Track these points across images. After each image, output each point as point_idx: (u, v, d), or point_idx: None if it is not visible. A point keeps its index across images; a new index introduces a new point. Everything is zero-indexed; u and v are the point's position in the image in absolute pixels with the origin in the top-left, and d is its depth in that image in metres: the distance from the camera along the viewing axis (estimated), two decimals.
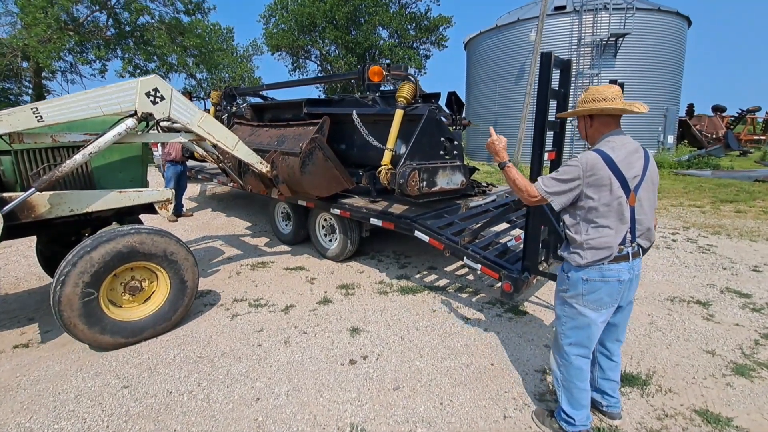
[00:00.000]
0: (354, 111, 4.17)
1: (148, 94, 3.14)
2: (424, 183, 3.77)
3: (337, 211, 4.43)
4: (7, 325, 3.52)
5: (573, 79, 12.76)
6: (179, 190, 7.25)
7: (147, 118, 3.17)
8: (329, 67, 27.83)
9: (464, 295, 3.93)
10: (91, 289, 2.87)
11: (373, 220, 4.04)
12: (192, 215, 7.48)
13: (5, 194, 2.85)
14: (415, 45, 28.69)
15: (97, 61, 14.05)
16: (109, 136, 3.05)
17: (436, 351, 2.96)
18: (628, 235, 1.89)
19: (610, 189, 1.81)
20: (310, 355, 2.93)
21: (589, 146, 2.04)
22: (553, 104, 2.92)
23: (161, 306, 3.25)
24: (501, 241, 3.67)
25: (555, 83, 2.96)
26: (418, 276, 4.44)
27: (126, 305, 3.17)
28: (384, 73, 3.96)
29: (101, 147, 3.04)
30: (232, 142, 3.79)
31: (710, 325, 3.32)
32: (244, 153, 3.93)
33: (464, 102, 5.17)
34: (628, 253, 1.90)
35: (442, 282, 4.26)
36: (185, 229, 6.55)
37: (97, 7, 12.91)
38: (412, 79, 4.08)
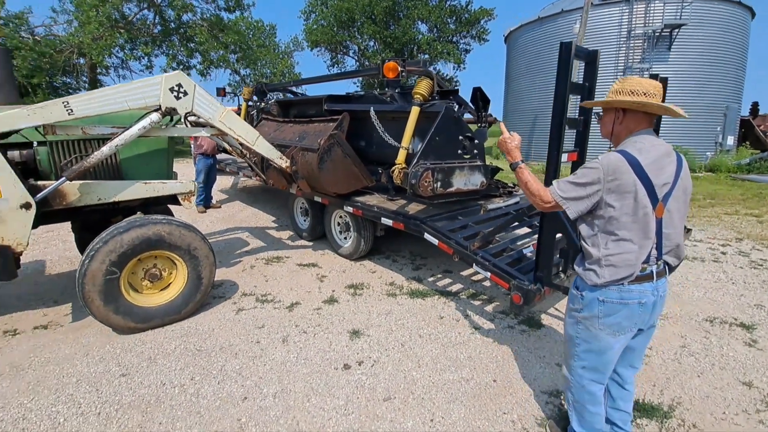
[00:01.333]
0: (371, 108, 4.06)
1: (171, 90, 3.23)
2: (439, 183, 3.60)
3: (349, 209, 4.34)
4: (34, 305, 3.73)
5: (621, 73, 11.93)
6: (209, 182, 7.47)
7: (171, 112, 3.27)
8: (367, 63, 27.81)
9: (477, 303, 3.72)
10: (115, 268, 3.01)
11: (384, 220, 3.92)
12: (220, 207, 7.69)
13: (39, 182, 3.03)
14: (454, 39, 28.07)
15: (145, 57, 14.90)
16: (134, 129, 3.17)
17: (436, 361, 2.80)
18: (654, 252, 1.65)
19: (635, 197, 1.57)
20: (306, 356, 2.86)
21: (612, 146, 1.80)
22: (576, 100, 2.66)
23: (175, 298, 3.33)
24: (517, 247, 3.42)
25: (579, 77, 2.71)
26: (431, 279, 4.27)
27: (143, 291, 3.27)
28: (399, 69, 3.82)
29: (127, 140, 3.16)
30: (252, 137, 3.83)
31: (752, 352, 2.92)
32: (264, 148, 3.96)
33: (489, 98, 4.92)
34: (652, 272, 1.66)
35: (456, 287, 4.07)
36: (211, 221, 6.74)
37: (146, 5, 13.63)
38: (430, 74, 3.90)
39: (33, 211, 2.89)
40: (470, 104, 4.93)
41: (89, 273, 2.92)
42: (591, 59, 2.61)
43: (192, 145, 9.30)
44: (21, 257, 3.26)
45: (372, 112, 4.01)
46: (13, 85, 3.70)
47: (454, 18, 27.12)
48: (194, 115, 3.42)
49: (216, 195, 8.54)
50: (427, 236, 3.48)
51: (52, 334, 3.23)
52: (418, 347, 2.98)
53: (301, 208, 5.66)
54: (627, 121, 1.71)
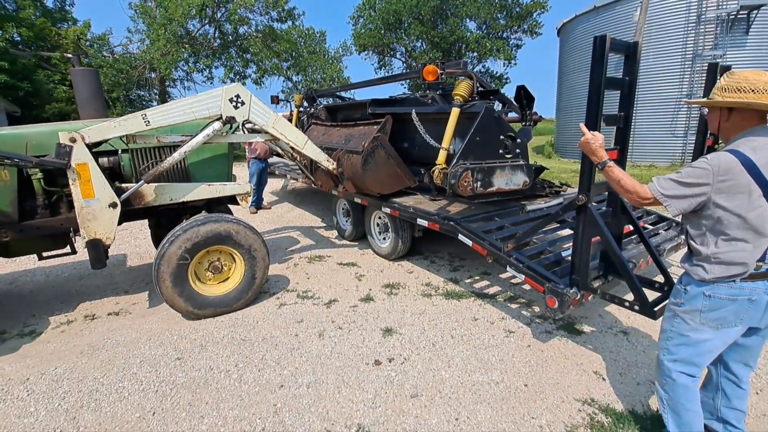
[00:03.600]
0: (413, 110, 4.14)
1: (231, 100, 3.58)
2: (479, 183, 3.58)
3: (387, 210, 4.43)
4: (109, 294, 4.23)
5: (690, 62, 10.93)
6: (260, 184, 7.93)
7: (230, 121, 3.61)
8: (414, 64, 27.83)
9: (514, 306, 3.65)
10: (188, 255, 3.39)
11: (420, 221, 3.96)
12: (270, 208, 8.13)
13: (123, 185, 3.51)
14: (504, 35, 27.25)
15: (206, 70, 16.17)
16: (200, 137, 3.55)
17: (467, 363, 2.80)
18: None
19: (749, 197, 1.53)
20: (339, 350, 2.99)
21: (721, 143, 1.75)
22: (616, 95, 2.55)
23: (230, 291, 3.66)
24: (556, 249, 3.31)
25: (618, 71, 2.58)
26: (468, 281, 4.24)
27: (205, 281, 3.62)
28: (439, 71, 3.84)
29: (194, 146, 3.56)
30: (301, 142, 4.10)
31: None
32: (312, 151, 4.23)
33: (534, 96, 4.78)
34: (766, 270, 1.62)
35: (493, 289, 4.01)
36: (261, 221, 7.15)
37: (207, 20, 14.76)
38: (470, 75, 3.88)
39: (118, 209, 3.34)
40: (514, 102, 4.84)
41: (167, 255, 3.31)
42: (630, 52, 2.48)
43: (246, 150, 9.93)
44: (108, 250, 3.79)
45: (414, 115, 4.09)
46: (101, 101, 4.25)
47: (504, 13, 26.34)
48: (250, 122, 3.75)
49: (267, 197, 9.04)
50: (461, 237, 3.47)
51: (123, 320, 3.65)
52: (450, 348, 2.99)
53: (343, 209, 5.85)
54: (735, 119, 1.64)
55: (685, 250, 1.85)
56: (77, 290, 4.40)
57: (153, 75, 15.08)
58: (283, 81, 26.08)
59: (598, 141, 1.98)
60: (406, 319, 3.43)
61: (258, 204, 7.96)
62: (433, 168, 3.73)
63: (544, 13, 25.69)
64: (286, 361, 2.87)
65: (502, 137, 3.82)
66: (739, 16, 10.03)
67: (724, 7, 10.06)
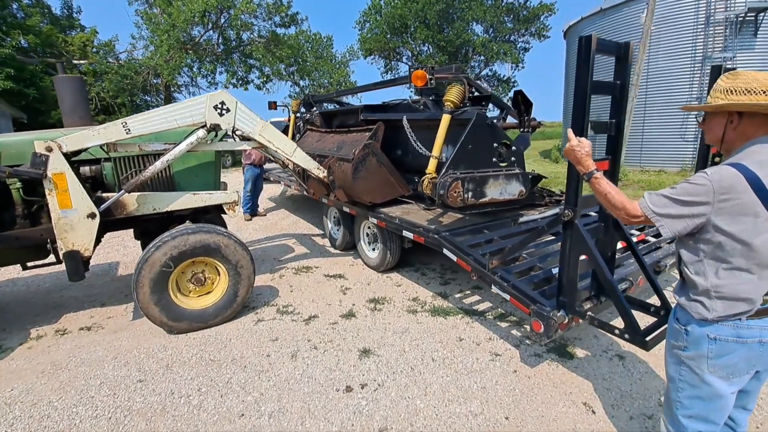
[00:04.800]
0: (404, 117, 3.97)
1: (215, 107, 3.47)
2: (470, 194, 3.39)
3: (374, 220, 4.25)
4: (85, 306, 4.10)
5: (699, 65, 10.57)
6: (255, 191, 7.80)
7: (215, 128, 3.50)
8: (420, 67, 27.61)
9: (504, 325, 3.42)
10: (172, 263, 3.26)
11: (405, 233, 3.76)
12: (265, 215, 7.99)
13: (104, 194, 3.40)
14: (512, 38, 26.98)
15: (209, 75, 16.23)
16: (183, 145, 3.44)
17: (445, 391, 2.59)
18: None
19: (754, 220, 1.31)
20: (311, 374, 2.80)
21: (720, 155, 1.52)
22: (606, 100, 2.33)
23: (209, 306, 3.51)
24: (547, 266, 3.08)
25: (608, 74, 2.36)
26: (458, 296, 4.02)
27: (186, 292, 3.49)
28: (428, 76, 3.67)
29: (177, 155, 3.45)
30: (290, 149, 3.99)
31: None
32: (301, 159, 4.10)
33: (532, 101, 4.57)
34: None
35: (483, 306, 3.79)
36: (254, 228, 7.01)
37: (210, 26, 14.82)
38: (461, 80, 3.70)
39: (97, 220, 3.23)
40: (512, 108, 4.63)
41: (151, 260, 3.19)
42: (622, 54, 2.26)
43: (243, 156, 9.84)
44: (90, 261, 3.66)
45: (405, 121, 3.92)
46: (86, 108, 4.16)
47: (511, 16, 26.10)
48: (236, 129, 3.64)
49: (264, 203, 8.92)
50: (445, 251, 3.27)
51: (93, 336, 3.51)
52: (429, 372, 2.78)
53: (334, 217, 5.68)
54: (744, 126, 1.41)
55: None
56: (56, 302, 4.28)
57: (158, 81, 15.18)
58: (291, 86, 26.15)
59: (585, 148, 1.76)
60: (386, 339, 3.23)
61: (253, 211, 7.83)
62: (423, 177, 3.55)
63: (551, 16, 25.44)
64: (252, 386, 2.68)
65: (495, 145, 3.62)
66: (747, 18, 9.68)
67: (732, 9, 9.71)
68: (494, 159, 3.53)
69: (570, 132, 1.87)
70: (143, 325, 3.57)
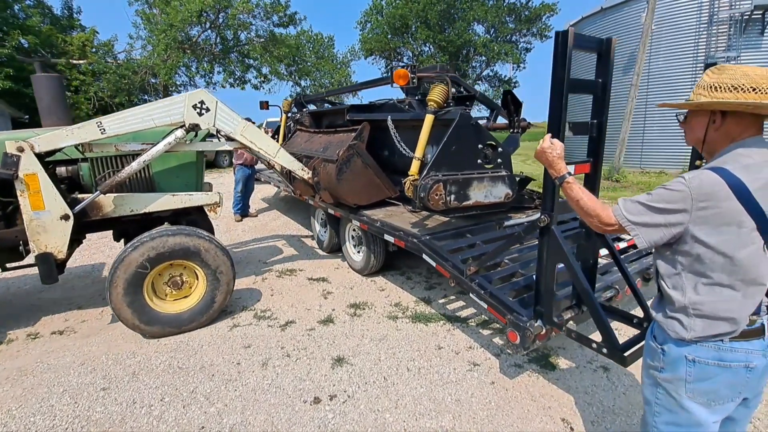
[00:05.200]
0: (389, 117, 3.86)
1: (195, 107, 3.38)
2: (452, 197, 3.27)
3: (357, 223, 4.14)
4: (60, 310, 4.00)
5: (702, 65, 10.37)
6: (246, 191, 7.71)
7: (194, 128, 3.40)
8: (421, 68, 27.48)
9: (486, 332, 3.30)
10: (149, 264, 3.17)
11: (387, 236, 3.64)
12: (257, 216, 7.89)
13: (80, 195, 3.32)
14: (513, 38, 26.79)
15: (206, 75, 16.18)
16: (161, 145, 3.35)
17: (417, 403, 2.46)
18: (765, 300, 1.24)
19: (738, 230, 1.18)
20: (280, 384, 2.68)
21: (704, 159, 1.39)
22: (588, 99, 2.21)
23: (184, 311, 3.42)
24: (530, 272, 2.95)
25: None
26: (442, 301, 3.90)
27: (162, 296, 3.40)
28: (410, 75, 3.55)
29: (154, 155, 3.35)
30: (273, 150, 3.90)
31: None
32: (285, 160, 4.01)
33: (521, 101, 4.45)
34: (762, 325, 1.26)
35: (467, 312, 3.66)
36: (243, 229, 6.92)
37: (208, 25, 14.77)
38: (445, 79, 3.58)
39: (71, 222, 3.14)
40: (502, 108, 4.51)
41: (127, 260, 3.11)
42: (603, 50, 2.13)
43: (234, 156, 9.77)
44: (66, 264, 3.58)
45: (389, 122, 3.82)
46: (64, 108, 4.07)
47: (513, 16, 25.93)
48: (217, 129, 3.55)
49: (257, 204, 8.83)
50: (425, 256, 3.14)
51: (64, 340, 3.41)
52: (403, 383, 2.66)
53: (321, 219, 5.57)
54: (728, 125, 1.28)
55: None
56: (33, 304, 4.19)
57: (156, 81, 15.17)
58: (292, 86, 26.10)
59: (557, 150, 1.65)
60: (363, 347, 3.11)
61: (244, 211, 7.73)
62: (405, 180, 3.43)
63: (553, 16, 25.24)
64: (216, 396, 2.57)
65: (480, 146, 3.49)
66: (753, 17, 9.48)
67: (737, 7, 9.51)
68: (479, 161, 3.41)
69: (547, 137, 1.74)
70: (117, 329, 3.47)
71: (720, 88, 1.26)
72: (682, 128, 1.48)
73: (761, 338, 1.26)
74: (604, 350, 1.98)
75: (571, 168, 2.14)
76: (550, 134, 1.74)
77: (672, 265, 1.32)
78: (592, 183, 2.30)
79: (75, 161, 3.56)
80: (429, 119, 3.42)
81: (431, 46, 26.48)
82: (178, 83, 16.36)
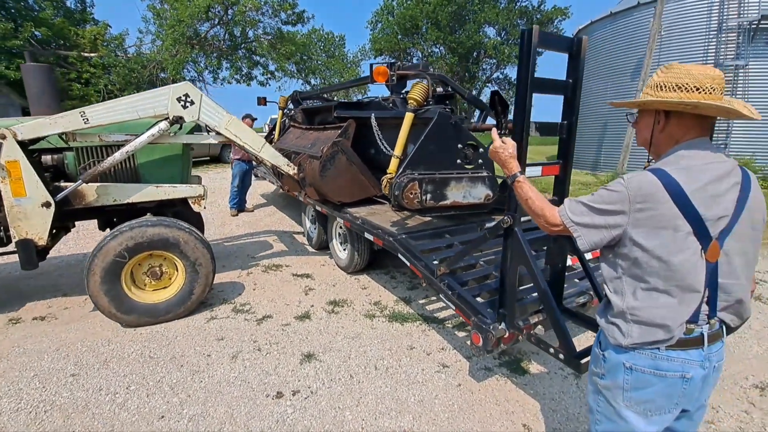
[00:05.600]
0: (372, 114, 3.85)
1: (179, 99, 3.39)
2: (429, 196, 3.25)
3: (340, 220, 4.13)
4: (46, 296, 4.06)
5: None
6: (243, 186, 7.75)
7: (178, 120, 3.42)
8: (430, 69, 27.42)
9: (461, 334, 3.26)
10: (127, 254, 3.21)
11: (367, 234, 3.63)
12: (252, 211, 7.93)
13: (64, 184, 3.34)
14: None
15: (214, 71, 16.31)
16: (144, 137, 3.36)
17: (379, 402, 2.45)
18: (704, 308, 1.20)
19: (674, 234, 1.14)
20: (246, 377, 2.68)
21: (652, 159, 1.36)
22: (559, 99, 2.17)
23: (161, 302, 3.44)
24: None
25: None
26: (422, 301, 3.87)
27: (141, 285, 3.43)
28: (389, 73, 3.54)
29: (137, 146, 3.37)
30: (258, 145, 3.90)
31: None
32: (270, 155, 4.01)
33: (508, 102, 4.41)
34: (701, 335, 1.21)
35: (446, 313, 3.62)
36: (237, 224, 6.95)
37: (217, 21, 14.91)
38: (426, 78, 3.56)
39: (52, 209, 3.18)
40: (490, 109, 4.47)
41: (105, 248, 3.15)
42: (574, 50, 2.09)
43: (231, 151, 9.84)
44: (49, 251, 3.60)
45: (372, 119, 3.81)
46: (54, 97, 4.12)
47: (524, 20, 25.73)
48: (201, 122, 3.57)
49: (255, 199, 8.88)
50: (400, 255, 3.12)
51: (45, 326, 3.45)
52: (368, 382, 2.64)
53: (311, 215, 5.58)
54: (672, 127, 1.25)
55: None
56: (20, 291, 4.25)
57: (164, 75, 15.36)
58: (302, 84, 26.23)
59: (509, 150, 1.62)
60: (335, 344, 3.10)
61: (240, 206, 7.78)
62: (383, 177, 3.42)
63: (565, 20, 25.00)
64: (182, 387, 2.58)
65: (460, 146, 3.46)
66: (761, 26, 9.27)
67: (745, 15, 9.32)
68: (459, 160, 3.38)
69: (494, 133, 1.72)
70: (97, 317, 3.51)
71: (665, 87, 1.23)
72: (634, 129, 1.44)
73: (700, 348, 1.22)
74: (561, 356, 1.94)
75: (538, 169, 2.12)
76: (497, 132, 1.71)
77: (613, 269, 1.29)
78: (562, 185, 2.27)
79: (61, 150, 3.60)
80: (409, 117, 3.40)
81: (441, 48, 26.40)
82: (187, 78, 16.51)
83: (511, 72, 28.25)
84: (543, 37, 1.91)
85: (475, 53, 26.28)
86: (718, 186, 1.16)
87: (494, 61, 26.57)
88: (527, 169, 2.07)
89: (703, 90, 1.17)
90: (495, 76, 28.36)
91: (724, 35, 9.67)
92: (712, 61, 10.03)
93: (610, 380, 1.31)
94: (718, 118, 1.26)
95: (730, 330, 1.31)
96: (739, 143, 10.04)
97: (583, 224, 1.26)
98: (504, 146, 1.64)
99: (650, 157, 1.39)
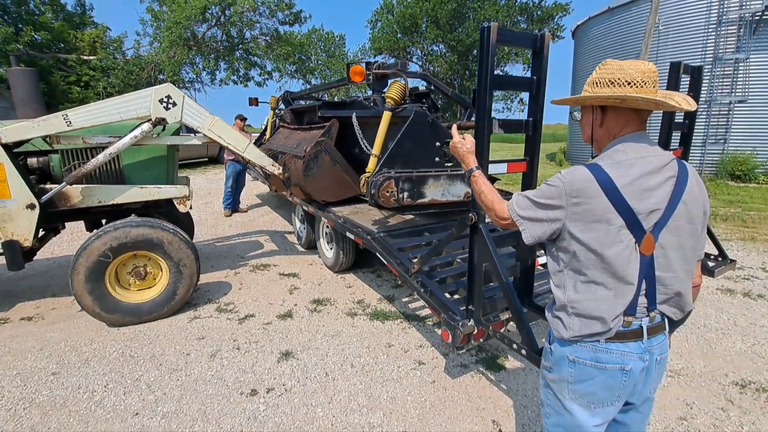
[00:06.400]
0: (353, 114, 3.87)
1: (161, 101, 3.42)
2: (406, 194, 3.27)
3: (324, 220, 4.15)
4: (35, 297, 4.11)
5: (710, 66, 10.08)
6: (237, 187, 7.79)
7: (161, 122, 3.45)
8: (430, 67, 27.44)
9: (440, 332, 3.26)
10: (111, 254, 3.25)
11: (348, 234, 3.64)
12: (246, 211, 7.97)
13: (48, 186, 3.39)
14: None
15: (211, 72, 16.40)
16: (127, 138, 3.40)
17: (352, 399, 2.46)
18: (642, 300, 1.22)
19: (607, 228, 1.16)
20: (222, 375, 2.71)
21: (595, 154, 1.39)
22: (524, 97, 2.17)
23: (145, 302, 3.48)
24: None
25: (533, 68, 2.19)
26: (406, 299, 3.88)
27: (125, 285, 3.46)
28: (366, 72, 3.55)
29: (120, 148, 3.41)
30: (242, 145, 3.92)
31: None
32: (254, 155, 4.03)
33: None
34: (640, 327, 1.23)
35: (427, 311, 3.63)
36: (230, 225, 6.99)
37: (214, 23, 14.98)
38: (403, 77, 3.57)
39: (37, 211, 3.23)
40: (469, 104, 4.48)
41: (89, 248, 3.18)
42: (537, 47, 2.09)
43: (225, 152, 9.87)
44: (36, 252, 3.69)
45: (354, 118, 3.82)
46: (39, 101, 4.17)
47: (525, 16, 25.61)
48: (184, 124, 3.59)
49: (250, 199, 8.93)
50: (377, 254, 3.13)
51: (31, 326, 3.50)
52: (343, 379, 2.66)
53: (301, 215, 5.60)
54: (609, 122, 1.27)
55: None
56: (10, 291, 4.31)
57: (162, 77, 15.46)
58: (303, 84, 26.31)
59: (467, 145, 1.69)
60: (314, 342, 3.12)
61: (234, 207, 7.82)
62: (362, 176, 3.44)
63: (566, 16, 24.85)
64: (158, 385, 2.61)
65: (438, 144, 3.47)
66: (763, 18, 9.16)
67: (748, 7, 9.20)
68: (437, 159, 3.39)
69: (454, 129, 1.74)
70: (83, 317, 3.55)
71: (599, 83, 1.25)
72: (581, 126, 1.45)
73: (639, 341, 1.22)
74: (524, 352, 1.94)
75: (503, 166, 2.13)
76: (456, 128, 1.72)
77: (556, 263, 1.31)
78: (528, 182, 2.26)
79: (46, 153, 3.64)
80: (386, 116, 3.42)
81: (441, 46, 26.35)
82: (185, 80, 16.62)
83: (511, 69, 28.13)
84: (503, 34, 1.91)
85: (474, 51, 26.21)
86: (649, 180, 1.16)
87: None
88: (491, 165, 2.08)
89: (635, 84, 1.18)
90: (495, 73, 28.24)
91: (723, 28, 9.56)
92: (711, 55, 9.93)
93: (557, 373, 1.33)
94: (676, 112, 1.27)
95: (674, 323, 1.31)
96: (739, 139, 9.94)
97: (528, 218, 1.29)
98: (463, 142, 1.69)
99: (594, 153, 1.40)
